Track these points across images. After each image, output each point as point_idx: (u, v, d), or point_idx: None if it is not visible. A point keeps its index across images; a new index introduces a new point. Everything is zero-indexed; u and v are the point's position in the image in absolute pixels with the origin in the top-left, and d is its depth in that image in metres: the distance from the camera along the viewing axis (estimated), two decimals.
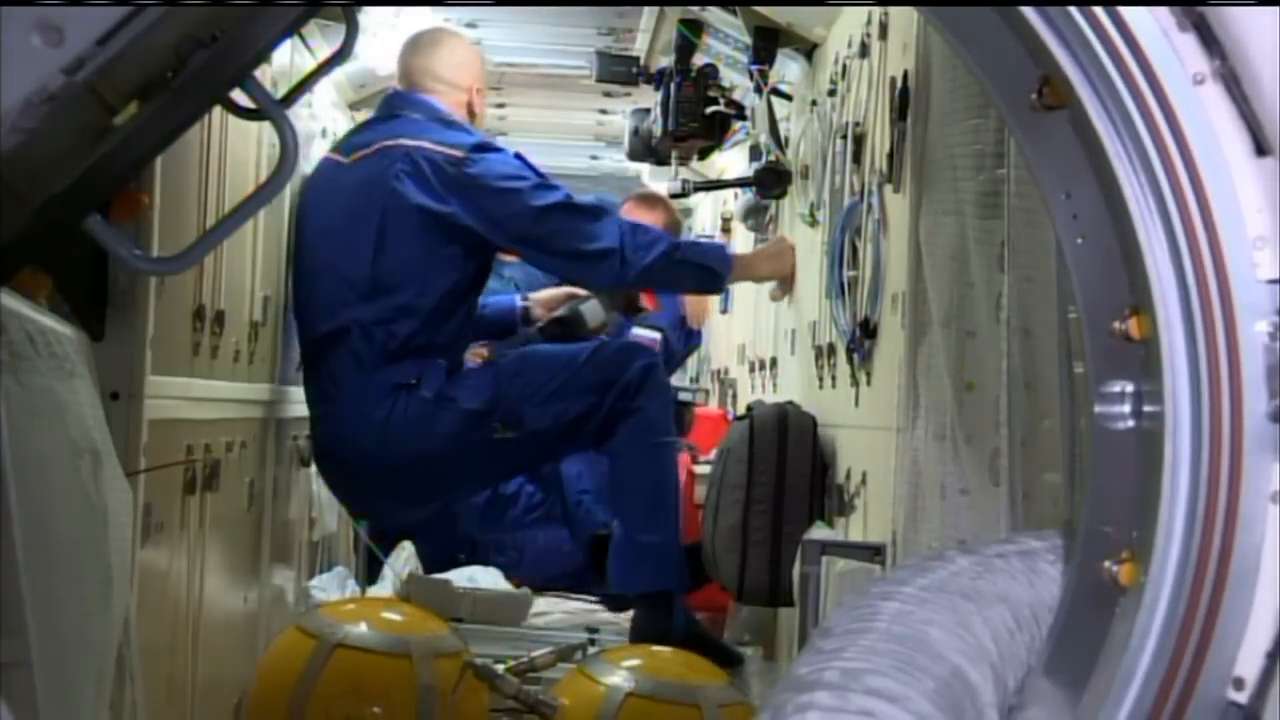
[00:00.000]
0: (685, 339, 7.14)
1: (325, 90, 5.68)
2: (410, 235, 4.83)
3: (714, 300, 7.03)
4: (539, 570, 5.98)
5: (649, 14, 5.75)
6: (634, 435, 4.93)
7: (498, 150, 4.97)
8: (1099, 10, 1.88)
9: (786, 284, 5.40)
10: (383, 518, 5.44)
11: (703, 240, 6.24)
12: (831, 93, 4.62)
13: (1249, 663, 1.88)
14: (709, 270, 5.07)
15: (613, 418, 4.93)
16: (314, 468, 5.49)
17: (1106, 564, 2.00)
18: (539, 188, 4.86)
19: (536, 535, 6.14)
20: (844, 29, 4.55)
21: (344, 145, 5.12)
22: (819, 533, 4.20)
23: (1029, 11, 1.93)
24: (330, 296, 4.89)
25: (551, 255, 4.91)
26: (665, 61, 5.71)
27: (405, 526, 5.46)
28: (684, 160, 5.89)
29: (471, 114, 5.15)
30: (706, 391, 7.18)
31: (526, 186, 4.84)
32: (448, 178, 4.81)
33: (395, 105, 5.09)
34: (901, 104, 3.63)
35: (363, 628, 4.39)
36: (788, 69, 5.30)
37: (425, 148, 4.84)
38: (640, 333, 6.71)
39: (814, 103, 4.87)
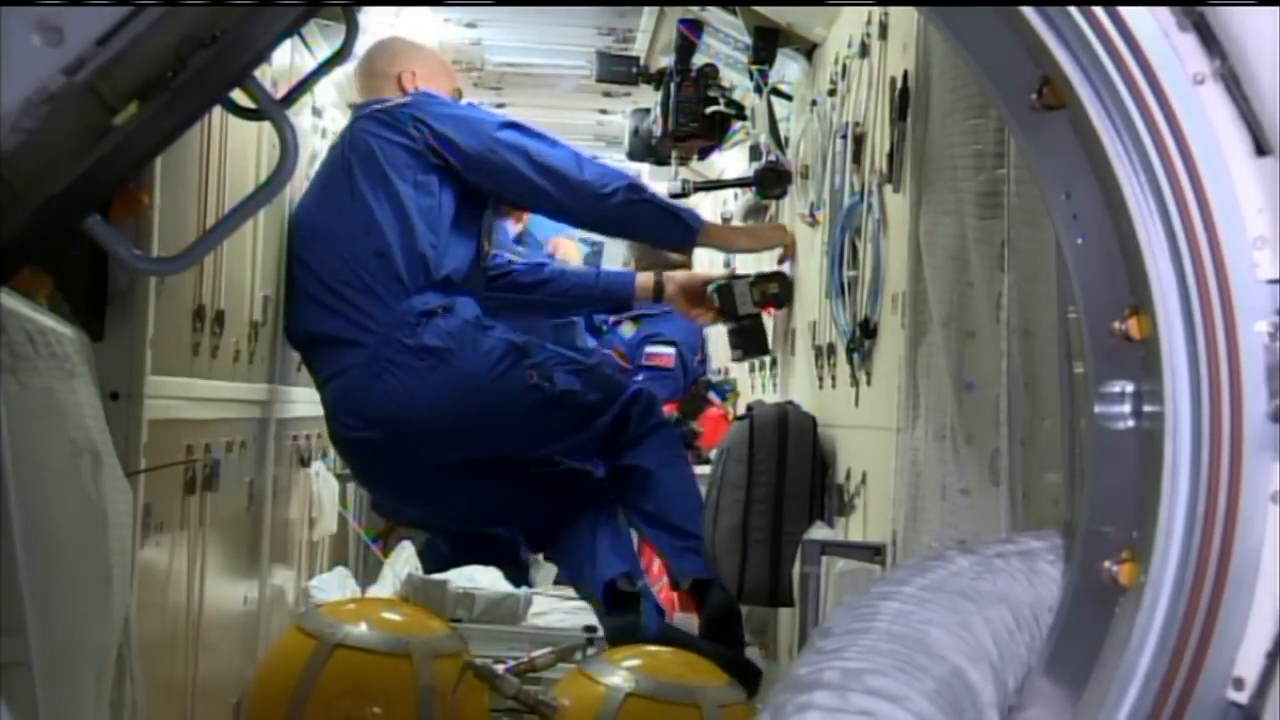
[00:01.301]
0: (698, 361, 7.21)
1: (325, 90, 5.68)
2: (383, 177, 5.01)
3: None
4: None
5: (649, 14, 5.75)
6: (664, 445, 5.18)
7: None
8: (1099, 10, 1.88)
9: (787, 249, 5.44)
10: (411, 495, 5.35)
11: None
12: (831, 93, 4.62)
13: (1249, 663, 1.88)
14: (675, 217, 5.21)
15: (628, 427, 5.10)
16: (327, 461, 5.50)
17: (1106, 564, 2.00)
18: (494, 119, 5.19)
19: None
20: (844, 29, 4.55)
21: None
22: (819, 533, 4.20)
23: (1029, 11, 1.93)
24: (331, 255, 4.99)
25: (510, 177, 5.04)
26: (665, 61, 5.71)
27: (431, 515, 5.40)
28: (684, 160, 5.88)
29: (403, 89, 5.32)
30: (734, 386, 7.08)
31: (481, 115, 5.22)
32: (406, 117, 5.07)
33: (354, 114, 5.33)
34: (901, 104, 3.62)
35: (363, 628, 4.39)
36: (788, 69, 5.30)
37: (376, 109, 5.15)
38: (655, 350, 6.73)
39: (814, 103, 4.87)
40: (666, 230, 5.31)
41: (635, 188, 5.17)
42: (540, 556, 6.17)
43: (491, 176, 5.07)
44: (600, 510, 5.32)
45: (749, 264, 6.52)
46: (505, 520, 5.46)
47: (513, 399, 5.01)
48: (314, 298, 5.00)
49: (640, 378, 6.39)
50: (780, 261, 5.49)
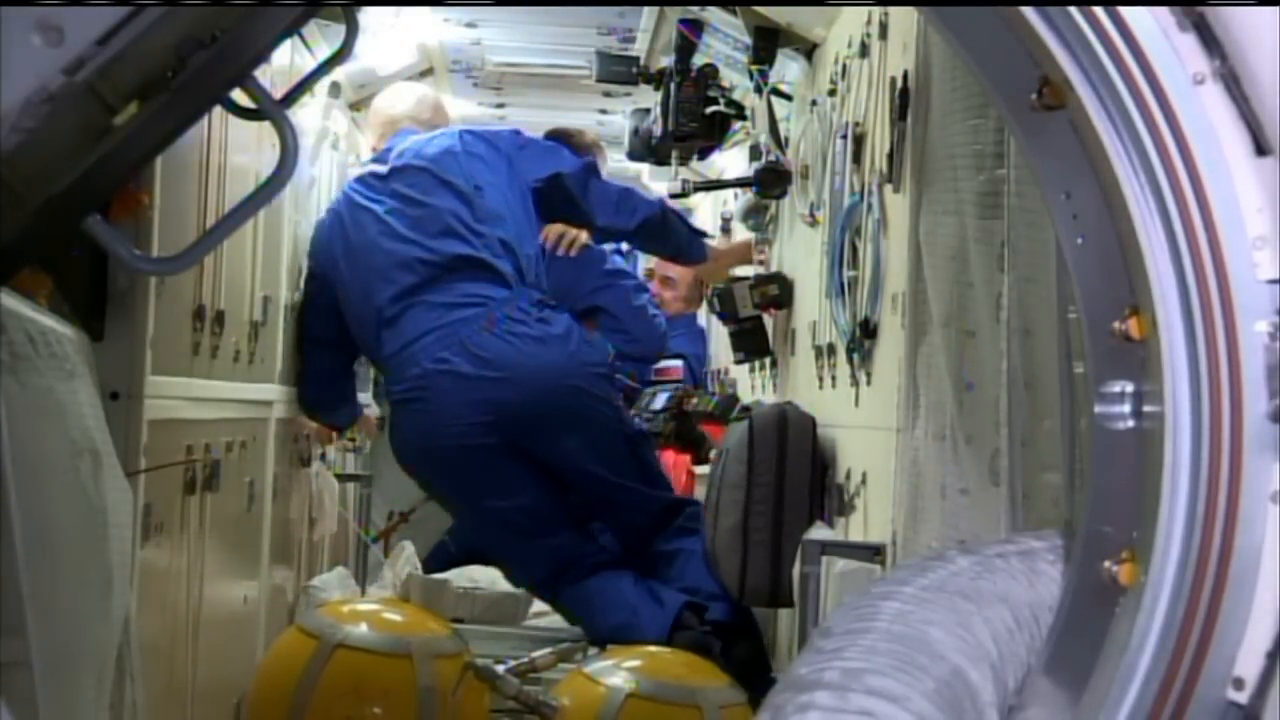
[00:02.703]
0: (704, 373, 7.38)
1: (325, 90, 5.68)
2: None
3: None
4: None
5: (649, 14, 5.75)
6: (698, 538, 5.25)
7: None
8: (1099, 10, 1.88)
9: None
10: (450, 451, 5.32)
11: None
12: (831, 93, 4.62)
13: (1249, 663, 1.88)
14: (695, 238, 5.81)
15: (677, 519, 5.41)
16: (327, 461, 5.49)
17: (1106, 564, 2.00)
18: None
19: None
20: (844, 29, 4.55)
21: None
22: (819, 533, 4.20)
23: (1029, 11, 1.93)
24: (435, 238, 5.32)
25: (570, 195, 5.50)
26: (665, 61, 5.71)
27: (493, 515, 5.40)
28: (684, 160, 5.88)
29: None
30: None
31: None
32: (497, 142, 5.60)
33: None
34: (901, 104, 3.62)
35: (363, 628, 4.39)
36: (788, 69, 5.30)
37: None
38: (664, 364, 6.77)
39: (814, 103, 4.87)
40: (683, 248, 5.81)
41: (661, 209, 5.69)
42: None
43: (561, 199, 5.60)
44: (623, 568, 5.44)
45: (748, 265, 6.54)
46: (527, 528, 5.44)
47: (598, 401, 5.34)
48: (455, 234, 5.32)
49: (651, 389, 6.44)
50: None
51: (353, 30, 3.04)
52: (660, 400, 6.20)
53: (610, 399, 5.42)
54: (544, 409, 5.22)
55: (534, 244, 5.46)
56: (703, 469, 5.53)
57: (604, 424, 5.35)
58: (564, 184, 5.48)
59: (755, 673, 4.84)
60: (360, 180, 5.53)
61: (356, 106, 6.47)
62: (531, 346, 5.23)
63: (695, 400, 6.17)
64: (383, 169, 5.49)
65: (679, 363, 6.78)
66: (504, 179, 5.47)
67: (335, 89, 6.00)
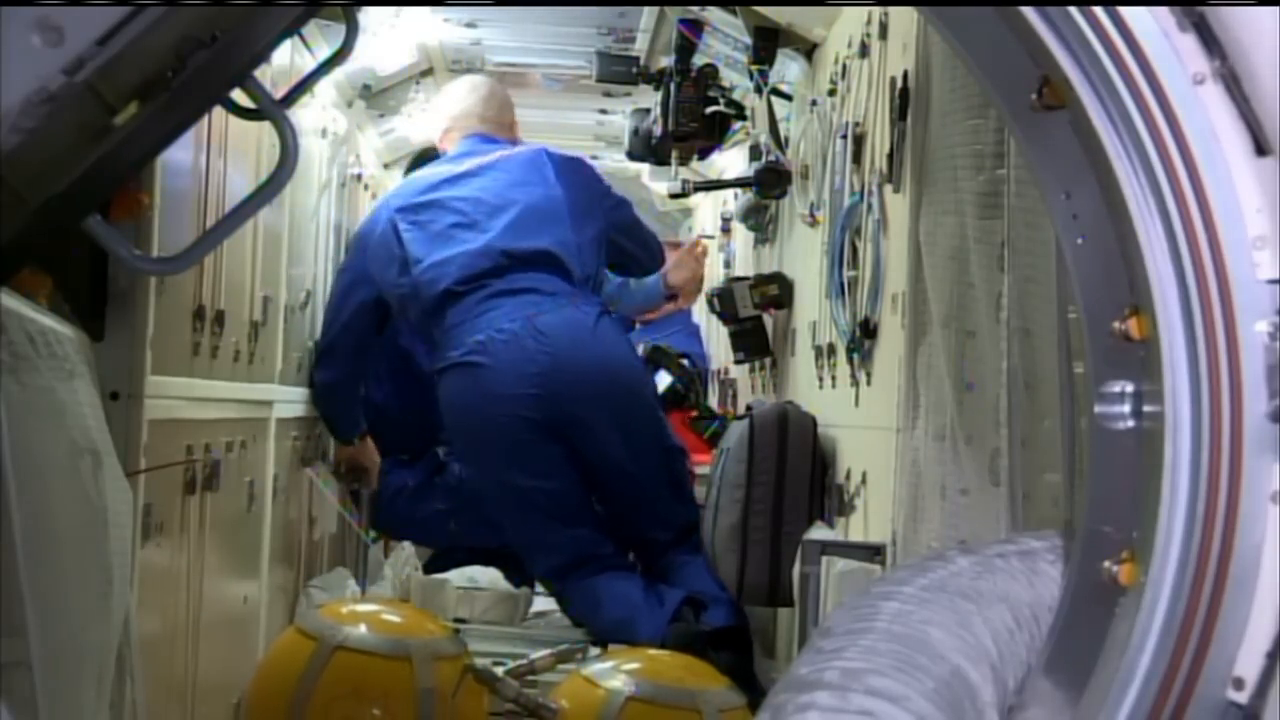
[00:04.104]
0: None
1: (325, 90, 5.68)
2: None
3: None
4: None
5: (649, 14, 5.75)
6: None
7: None
8: (1099, 10, 1.88)
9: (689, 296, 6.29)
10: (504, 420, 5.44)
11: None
12: (831, 93, 4.62)
13: (1249, 663, 1.88)
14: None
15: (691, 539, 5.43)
16: (327, 461, 5.50)
17: (1106, 564, 2.00)
18: None
19: None
20: (844, 29, 4.55)
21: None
22: (819, 533, 4.20)
23: (1029, 11, 1.93)
24: (524, 230, 5.59)
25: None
26: (665, 61, 5.71)
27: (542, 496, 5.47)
28: (684, 160, 5.89)
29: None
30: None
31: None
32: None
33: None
34: (901, 104, 3.63)
35: (363, 630, 4.39)
36: (788, 69, 5.30)
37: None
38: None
39: (814, 103, 4.87)
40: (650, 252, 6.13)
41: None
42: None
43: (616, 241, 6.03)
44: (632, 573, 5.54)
45: (748, 265, 6.54)
46: (546, 507, 5.49)
47: (645, 406, 5.60)
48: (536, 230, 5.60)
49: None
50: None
51: (353, 30, 3.03)
52: (661, 383, 6.18)
53: (655, 408, 5.66)
54: (594, 396, 5.39)
55: (595, 260, 5.74)
56: (703, 469, 5.53)
57: (646, 428, 5.52)
58: (630, 219, 5.95)
59: (738, 683, 4.85)
60: (438, 174, 5.79)
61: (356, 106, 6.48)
62: (590, 340, 5.45)
63: (693, 398, 6.16)
64: (467, 164, 5.76)
65: (684, 361, 6.77)
66: (581, 195, 5.76)
67: (366, 91, 6.30)
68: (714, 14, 5.33)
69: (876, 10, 4.03)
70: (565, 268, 5.56)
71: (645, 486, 5.45)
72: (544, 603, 5.96)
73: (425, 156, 6.32)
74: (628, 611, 5.28)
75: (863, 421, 4.06)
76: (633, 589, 5.38)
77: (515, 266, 5.53)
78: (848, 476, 4.29)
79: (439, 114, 6.11)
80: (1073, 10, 1.89)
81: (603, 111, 7.43)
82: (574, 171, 5.84)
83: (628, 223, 5.91)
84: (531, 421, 5.35)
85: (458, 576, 5.85)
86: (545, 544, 5.49)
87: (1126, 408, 2.01)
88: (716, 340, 7.96)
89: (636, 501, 5.49)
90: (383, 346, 6.11)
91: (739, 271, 6.70)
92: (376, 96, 6.56)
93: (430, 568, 6.14)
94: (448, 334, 5.50)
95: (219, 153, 3.85)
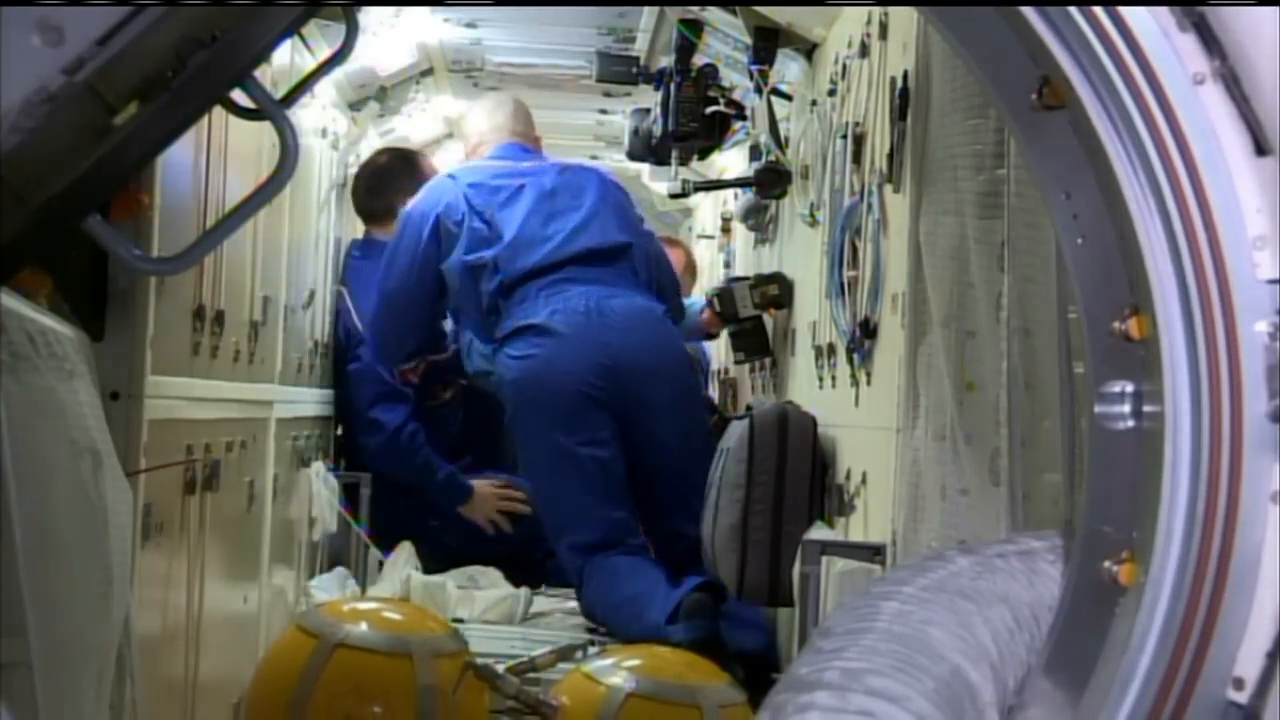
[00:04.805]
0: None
1: (325, 90, 5.68)
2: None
3: None
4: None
5: (649, 14, 5.75)
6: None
7: None
8: (1099, 10, 1.88)
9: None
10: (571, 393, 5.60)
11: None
12: (831, 93, 4.62)
13: (1249, 663, 1.88)
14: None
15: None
16: (328, 462, 5.51)
17: (1106, 564, 2.00)
18: None
19: None
20: (844, 29, 4.55)
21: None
22: (819, 533, 4.20)
23: (1029, 11, 1.93)
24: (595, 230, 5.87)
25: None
26: (665, 61, 5.71)
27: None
28: (684, 160, 5.89)
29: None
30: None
31: None
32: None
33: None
34: (901, 104, 3.62)
35: (363, 627, 4.39)
36: (788, 69, 5.30)
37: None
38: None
39: (814, 103, 4.87)
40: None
41: None
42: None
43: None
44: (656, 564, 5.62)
45: (748, 265, 6.54)
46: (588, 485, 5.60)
47: (699, 406, 5.94)
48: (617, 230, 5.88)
49: None
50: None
51: (353, 30, 3.03)
52: None
53: (705, 409, 5.99)
54: (656, 379, 5.61)
55: (651, 269, 5.96)
56: None
57: (699, 423, 5.79)
58: (659, 250, 6.15)
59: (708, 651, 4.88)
60: (501, 166, 5.97)
61: (356, 106, 6.47)
62: (657, 329, 5.73)
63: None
64: (528, 163, 5.99)
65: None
66: (631, 213, 6.09)
67: (382, 93, 6.43)
68: (714, 14, 5.33)
69: (876, 10, 4.03)
70: (634, 266, 5.84)
71: (687, 476, 5.46)
72: (544, 603, 5.96)
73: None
74: (644, 586, 5.36)
75: (863, 421, 4.06)
76: (653, 570, 5.48)
77: (591, 259, 5.78)
78: (848, 476, 4.29)
79: (469, 130, 6.30)
80: (1073, 10, 1.89)
81: (603, 111, 7.44)
82: (620, 192, 6.11)
83: (656, 252, 6.13)
84: (593, 390, 5.55)
85: (458, 576, 5.85)
86: (582, 517, 5.57)
87: (1126, 408, 2.01)
88: (717, 340, 7.97)
89: (675, 490, 5.56)
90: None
91: (739, 271, 6.70)
92: (373, 97, 6.57)
93: (430, 568, 6.14)
94: (520, 305, 5.71)
95: (219, 153, 3.85)
